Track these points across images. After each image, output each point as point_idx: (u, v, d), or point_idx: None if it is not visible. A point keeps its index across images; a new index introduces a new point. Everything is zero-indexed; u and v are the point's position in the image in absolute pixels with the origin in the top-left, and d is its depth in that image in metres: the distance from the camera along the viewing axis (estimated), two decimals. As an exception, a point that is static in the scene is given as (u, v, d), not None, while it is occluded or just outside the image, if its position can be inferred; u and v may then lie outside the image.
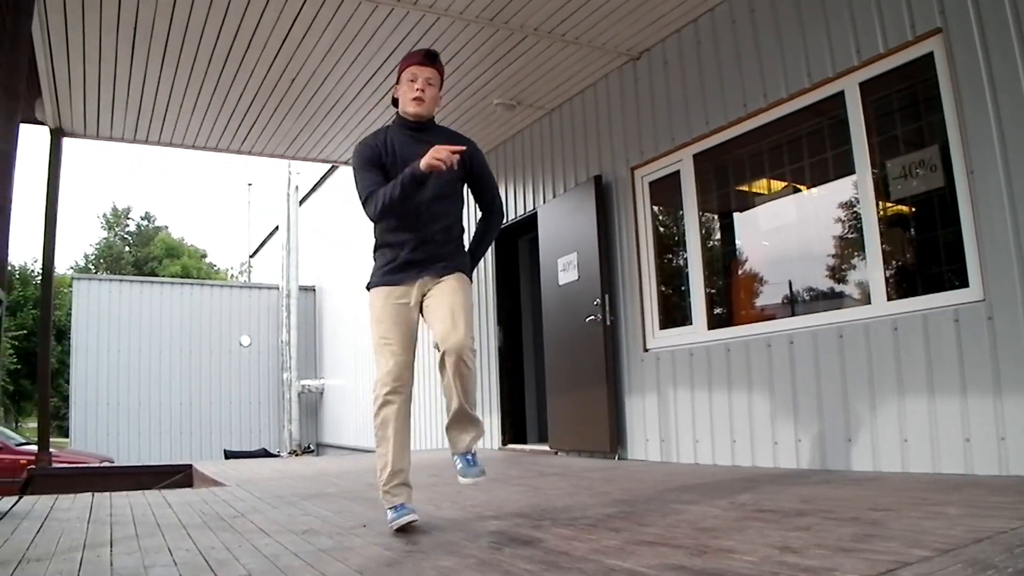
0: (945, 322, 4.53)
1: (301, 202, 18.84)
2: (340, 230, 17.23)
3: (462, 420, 3.59)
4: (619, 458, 7.12)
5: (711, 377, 6.24)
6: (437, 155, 3.24)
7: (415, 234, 3.56)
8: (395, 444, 3.45)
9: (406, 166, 3.39)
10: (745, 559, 2.46)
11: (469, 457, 3.62)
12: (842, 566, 2.28)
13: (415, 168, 3.29)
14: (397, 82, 3.71)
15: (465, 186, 3.79)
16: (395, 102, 3.76)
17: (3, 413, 35.03)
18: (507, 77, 7.69)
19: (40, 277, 9.48)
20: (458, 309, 3.48)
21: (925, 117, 4.99)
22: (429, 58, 3.63)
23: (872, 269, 5.09)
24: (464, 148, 3.41)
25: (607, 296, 7.34)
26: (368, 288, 3.71)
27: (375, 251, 3.76)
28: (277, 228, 20.18)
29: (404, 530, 3.32)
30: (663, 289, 7.08)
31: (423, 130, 3.65)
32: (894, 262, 5.17)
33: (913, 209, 5.15)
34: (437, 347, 3.46)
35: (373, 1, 6.17)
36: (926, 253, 5.07)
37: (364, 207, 3.55)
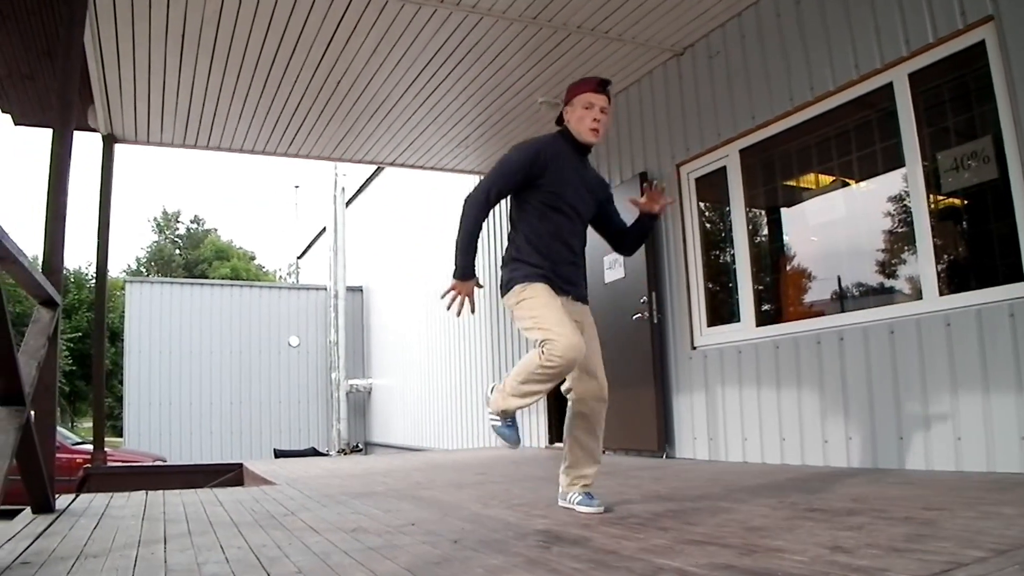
0: (1000, 317, 4.44)
1: (348, 203, 19.00)
2: (387, 231, 17.35)
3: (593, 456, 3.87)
4: (667, 456, 7.08)
5: (759, 375, 6.18)
6: (460, 297, 3.71)
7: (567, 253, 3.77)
8: (543, 393, 3.57)
9: (565, 187, 3.67)
10: (795, 559, 2.43)
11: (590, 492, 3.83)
12: (894, 566, 2.24)
13: (461, 270, 3.69)
14: (567, 103, 3.82)
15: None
16: (559, 119, 3.91)
17: (60, 413, 35.77)
18: (551, 75, 7.68)
19: (94, 281, 9.65)
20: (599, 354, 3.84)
21: (977, 107, 4.89)
22: (603, 86, 3.77)
23: (923, 263, 5.00)
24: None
25: (654, 294, 7.31)
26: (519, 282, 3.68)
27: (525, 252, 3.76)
28: (324, 229, 20.37)
29: (444, 528, 3.33)
30: (710, 286, 7.03)
31: (584, 155, 3.85)
32: (946, 256, 5.07)
33: (965, 202, 5.05)
34: (571, 390, 3.74)
35: (416, 3, 6.21)
36: (979, 246, 4.97)
37: (472, 192, 3.70)
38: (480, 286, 3.74)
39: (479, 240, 3.74)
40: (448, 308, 3.69)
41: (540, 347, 3.43)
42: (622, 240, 4.07)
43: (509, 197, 3.79)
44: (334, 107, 8.35)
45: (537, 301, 3.55)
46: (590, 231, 3.95)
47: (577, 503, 3.74)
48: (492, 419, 3.72)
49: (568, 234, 3.72)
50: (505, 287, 3.73)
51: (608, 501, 3.89)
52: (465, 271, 3.64)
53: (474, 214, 3.64)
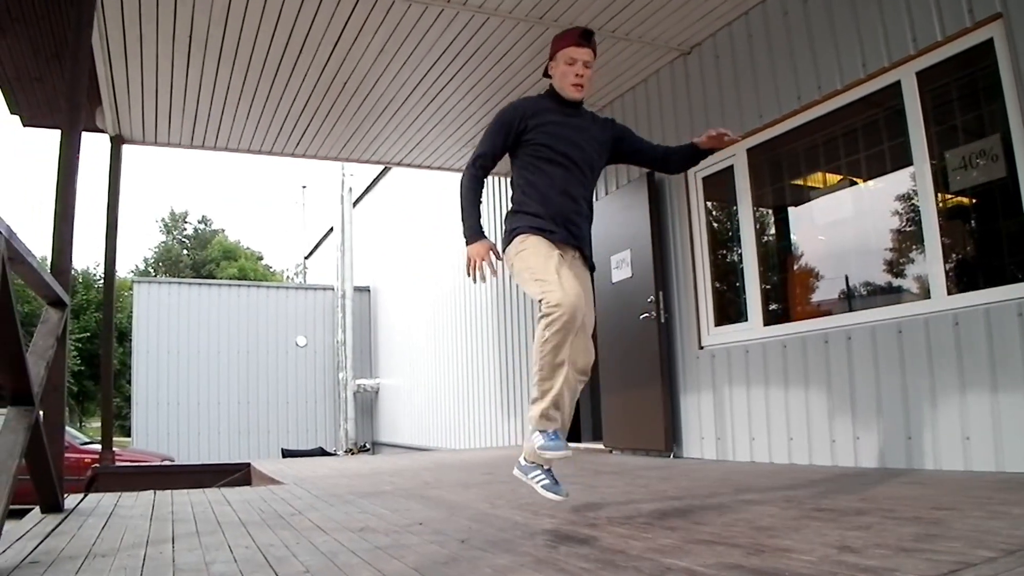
0: (1008, 316, 4.42)
1: (355, 204, 19.02)
2: (394, 231, 17.36)
3: None
4: (674, 456, 7.08)
5: (767, 374, 6.17)
6: (475, 261, 3.50)
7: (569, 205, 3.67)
8: (562, 373, 3.31)
9: (554, 138, 3.61)
10: (803, 559, 2.43)
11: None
12: (903, 566, 2.23)
13: (468, 233, 3.59)
14: (551, 58, 3.78)
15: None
16: (546, 73, 3.86)
17: (68, 413, 35.91)
18: (557, 75, 7.66)
19: (102, 281, 9.68)
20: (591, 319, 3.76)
21: (985, 106, 4.87)
22: (586, 38, 3.70)
23: (931, 263, 4.98)
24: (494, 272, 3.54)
25: (661, 293, 7.30)
26: (520, 232, 3.60)
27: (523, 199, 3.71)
28: (331, 230, 20.39)
29: (455, 528, 3.33)
30: (717, 286, 7.02)
31: (575, 108, 3.77)
32: (954, 255, 5.06)
33: (974, 200, 5.03)
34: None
35: (423, 2, 6.21)
36: (988, 245, 4.95)
37: (468, 164, 3.73)
38: (494, 249, 3.55)
39: (480, 208, 3.73)
40: (469, 275, 3.56)
41: (539, 303, 3.34)
42: (667, 162, 4.01)
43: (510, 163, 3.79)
44: (341, 107, 8.36)
45: (535, 251, 3.47)
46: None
47: (542, 486, 3.49)
48: (537, 445, 3.33)
49: (568, 184, 3.63)
50: (506, 239, 3.68)
51: (616, 501, 3.88)
52: (472, 232, 3.57)
53: (465, 182, 3.66)
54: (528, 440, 3.44)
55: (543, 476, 3.47)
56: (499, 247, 3.63)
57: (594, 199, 3.82)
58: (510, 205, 3.74)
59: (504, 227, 3.74)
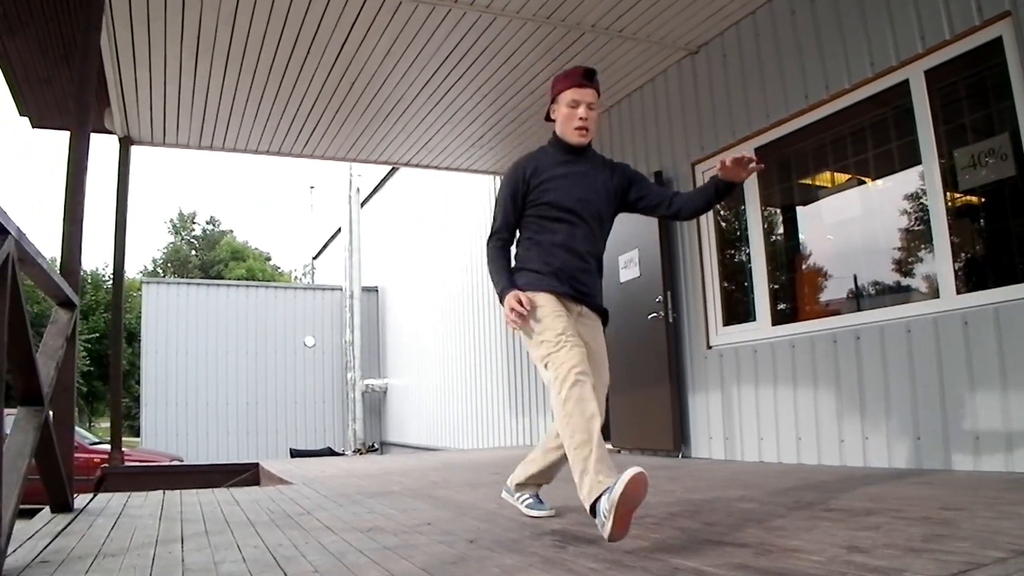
0: (1018, 315, 4.40)
1: (363, 204, 19.05)
2: (402, 231, 17.38)
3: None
4: (682, 456, 7.07)
5: (776, 374, 6.15)
6: (512, 314, 3.27)
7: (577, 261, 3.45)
8: (597, 424, 2.99)
9: (558, 194, 3.40)
10: (812, 559, 2.42)
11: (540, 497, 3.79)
12: (912, 567, 2.23)
13: (499, 291, 3.37)
14: (553, 101, 3.58)
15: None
16: (547, 117, 3.68)
17: (77, 413, 35.99)
18: (565, 75, 7.66)
19: (111, 281, 9.72)
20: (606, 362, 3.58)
21: (994, 104, 4.85)
22: (588, 78, 3.49)
23: (940, 262, 4.97)
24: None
25: (669, 293, 7.29)
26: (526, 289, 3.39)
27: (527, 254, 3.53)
28: (339, 230, 20.43)
29: (463, 527, 3.33)
30: (726, 285, 7.01)
31: (580, 154, 3.56)
32: (963, 254, 5.04)
33: (983, 199, 5.01)
34: None
35: (430, 3, 6.21)
36: (997, 244, 4.93)
37: (488, 239, 3.55)
38: (521, 296, 3.28)
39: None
40: (511, 326, 3.34)
41: (544, 367, 3.20)
42: (674, 205, 3.57)
43: None
44: (349, 107, 8.37)
45: (543, 312, 3.27)
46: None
47: (526, 505, 3.70)
48: (601, 507, 2.75)
49: (573, 240, 3.41)
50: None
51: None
52: (504, 289, 3.33)
53: (491, 254, 3.49)
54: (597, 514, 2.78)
55: (528, 497, 3.48)
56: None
57: (603, 253, 3.61)
58: (513, 263, 3.54)
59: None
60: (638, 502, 2.70)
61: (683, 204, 3.55)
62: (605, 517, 2.68)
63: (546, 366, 3.18)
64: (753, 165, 3.28)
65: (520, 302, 3.22)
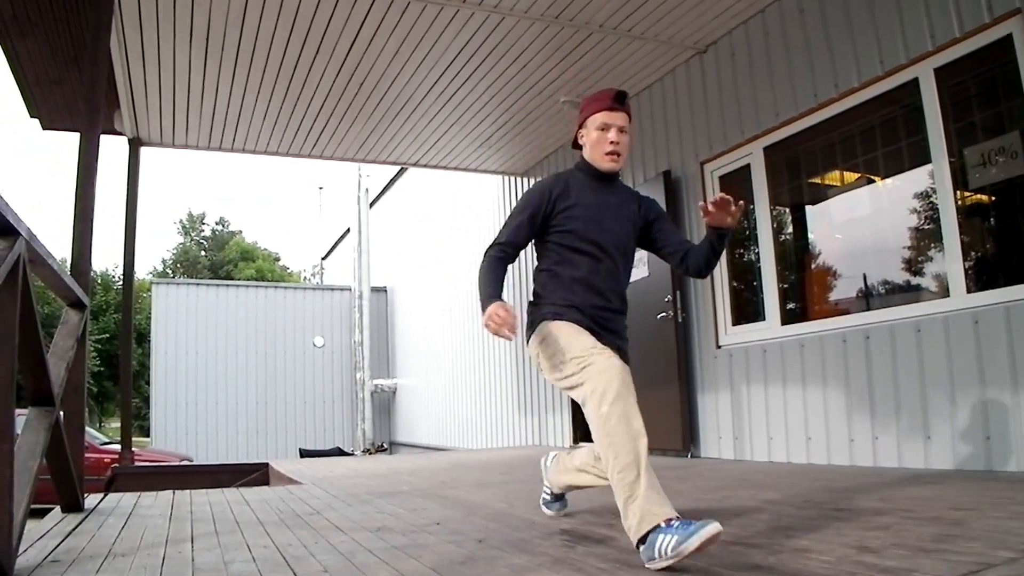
0: (1029, 314, 4.38)
1: (371, 204, 19.06)
2: (410, 231, 17.39)
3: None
4: (692, 456, 7.06)
5: (785, 373, 6.14)
6: (493, 325, 2.88)
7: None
8: (643, 443, 2.65)
9: (584, 223, 3.14)
10: (821, 559, 2.42)
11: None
12: (922, 567, 2.22)
13: (483, 299, 2.99)
14: (580, 125, 3.34)
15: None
16: (575, 144, 3.44)
17: (88, 413, 36.16)
18: (573, 74, 7.67)
19: (121, 282, 9.75)
20: None
21: (1004, 102, 4.83)
22: (619, 101, 3.24)
23: (950, 261, 4.95)
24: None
25: (678, 293, 7.28)
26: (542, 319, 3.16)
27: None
28: (348, 230, 20.45)
29: (472, 527, 3.33)
30: (735, 285, 6.99)
31: (610, 182, 3.31)
32: (973, 253, 5.02)
33: (993, 198, 4.99)
34: None
35: (438, 3, 6.22)
36: (1008, 243, 4.91)
37: (487, 248, 3.23)
38: (507, 307, 2.91)
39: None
40: (495, 334, 2.95)
41: (578, 388, 2.83)
42: (686, 260, 3.29)
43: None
44: (357, 108, 8.38)
45: (560, 334, 3.00)
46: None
47: (543, 501, 3.72)
48: (661, 547, 2.43)
49: (595, 276, 3.15)
50: (528, 330, 3.22)
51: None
52: (487, 298, 2.98)
53: (485, 263, 3.15)
54: (651, 555, 2.47)
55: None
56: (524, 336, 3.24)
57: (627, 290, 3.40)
58: (531, 297, 3.30)
59: (526, 320, 3.27)
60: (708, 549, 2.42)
61: (692, 261, 3.26)
62: (661, 556, 2.40)
63: (580, 383, 2.83)
64: (734, 208, 2.99)
65: (505, 311, 2.85)
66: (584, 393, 2.79)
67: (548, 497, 3.70)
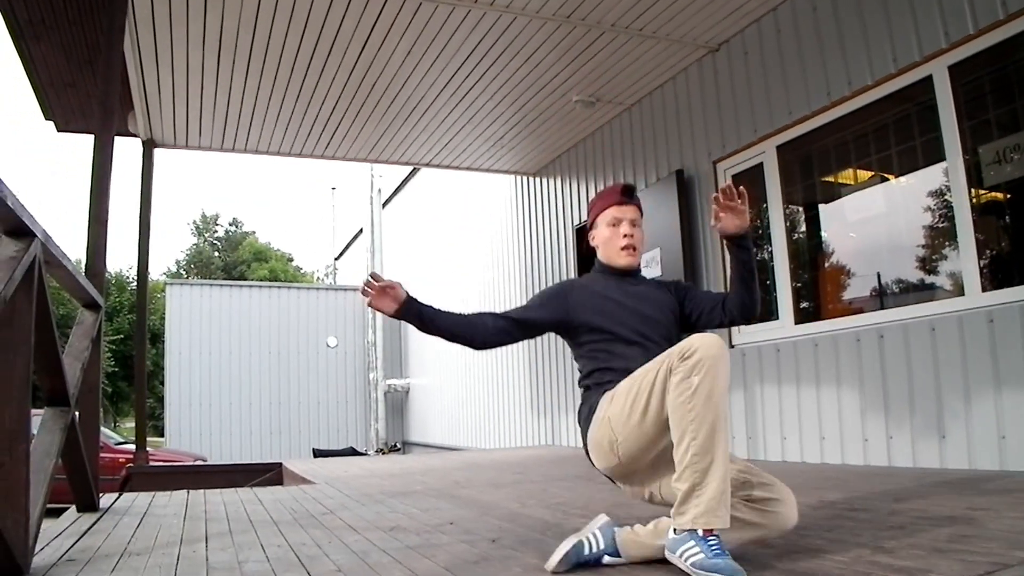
0: (1045, 313, 4.36)
1: (384, 204, 19.09)
2: (423, 231, 17.41)
3: None
4: (705, 455, 7.03)
5: (798, 373, 6.12)
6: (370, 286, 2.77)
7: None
8: (723, 441, 2.39)
9: (621, 319, 2.87)
10: (835, 559, 2.41)
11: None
12: (938, 567, 2.21)
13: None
14: (591, 226, 3.15)
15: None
16: (588, 250, 3.21)
17: (103, 414, 36.29)
18: (585, 74, 7.67)
19: (135, 283, 9.81)
20: None
21: (1019, 99, 4.79)
22: (628, 194, 3.07)
23: (965, 259, 4.92)
24: None
25: (690, 292, 7.25)
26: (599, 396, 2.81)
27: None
28: (361, 231, 20.48)
29: (487, 527, 3.32)
30: (747, 284, 6.96)
31: (632, 276, 3.07)
32: (988, 251, 4.99)
33: (1008, 195, 4.96)
34: None
35: (450, 3, 6.22)
36: (1023, 241, 4.88)
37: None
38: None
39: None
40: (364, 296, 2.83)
41: (672, 371, 2.45)
42: (727, 304, 2.96)
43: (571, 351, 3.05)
44: (370, 109, 8.40)
45: (624, 386, 2.65)
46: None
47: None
48: (686, 552, 2.30)
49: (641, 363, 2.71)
50: (587, 421, 2.82)
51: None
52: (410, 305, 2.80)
53: (473, 318, 2.92)
54: (674, 548, 2.36)
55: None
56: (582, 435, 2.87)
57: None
58: (581, 389, 2.96)
59: (580, 413, 2.91)
60: None
61: (732, 300, 2.96)
62: (679, 558, 2.29)
63: (671, 369, 2.46)
64: (741, 202, 2.81)
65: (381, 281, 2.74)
66: (674, 368, 2.44)
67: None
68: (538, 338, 10.42)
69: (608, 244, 3.04)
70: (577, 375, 2.98)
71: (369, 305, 2.82)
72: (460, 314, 2.90)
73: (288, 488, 6.00)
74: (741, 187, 2.83)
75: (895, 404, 5.28)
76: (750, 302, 2.94)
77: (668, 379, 2.44)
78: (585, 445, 2.83)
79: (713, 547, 2.25)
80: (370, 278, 2.78)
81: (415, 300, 2.82)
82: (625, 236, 3.00)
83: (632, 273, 3.07)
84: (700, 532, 2.28)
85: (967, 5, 4.81)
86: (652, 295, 3.01)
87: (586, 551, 2.51)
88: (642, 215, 3.08)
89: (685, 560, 2.29)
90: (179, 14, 6.19)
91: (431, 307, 2.84)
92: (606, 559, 2.53)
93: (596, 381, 2.85)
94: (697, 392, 2.36)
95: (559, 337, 3.03)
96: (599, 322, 2.88)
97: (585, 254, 9.65)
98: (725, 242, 2.97)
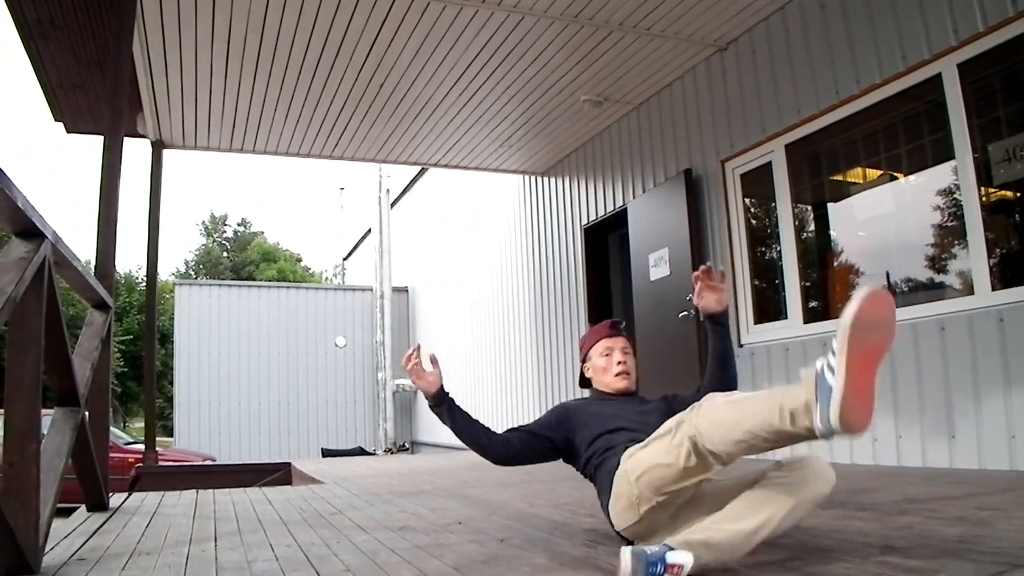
0: (1055, 312, 4.34)
1: (392, 204, 19.10)
2: (431, 231, 17.42)
3: None
4: (714, 455, 7.02)
5: (807, 372, 6.09)
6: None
7: None
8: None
9: (611, 421, 2.95)
10: (845, 559, 2.40)
11: None
12: (948, 567, 2.20)
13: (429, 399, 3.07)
14: (584, 361, 3.32)
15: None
16: (584, 381, 3.37)
17: (112, 414, 36.43)
18: (593, 73, 7.66)
19: (144, 284, 9.84)
20: None
21: (1030, 98, 4.79)
22: (617, 328, 3.30)
23: (975, 258, 4.90)
24: None
25: (699, 291, 7.23)
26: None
27: None
28: (369, 231, 20.50)
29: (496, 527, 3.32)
30: (756, 283, 6.96)
31: (628, 397, 3.21)
32: (998, 250, 4.97)
33: (1018, 194, 4.94)
34: None
35: (458, 3, 6.23)
36: (1033, 240, 4.87)
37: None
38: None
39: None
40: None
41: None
42: (706, 390, 2.85)
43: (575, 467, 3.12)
44: (378, 109, 8.41)
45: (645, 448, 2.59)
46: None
47: None
48: None
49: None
50: (604, 494, 2.80)
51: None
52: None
53: (496, 434, 3.06)
54: None
55: None
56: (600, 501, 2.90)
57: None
58: (591, 469, 2.97)
59: (596, 484, 2.93)
60: (886, 332, 2.08)
61: (707, 377, 3.14)
62: (832, 370, 2.04)
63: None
64: (719, 279, 2.92)
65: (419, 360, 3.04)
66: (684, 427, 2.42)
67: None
68: (545, 339, 10.40)
69: (603, 373, 3.21)
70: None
71: (409, 373, 3.07)
72: (471, 421, 3.07)
73: (297, 488, 6.02)
74: (722, 268, 2.95)
75: (904, 403, 5.26)
76: (727, 378, 3.08)
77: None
78: (606, 509, 2.79)
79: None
80: (415, 351, 3.06)
81: (447, 395, 3.07)
82: (619, 363, 3.17)
83: (628, 397, 3.19)
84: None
85: (976, 2, 4.80)
86: (647, 409, 3.11)
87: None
88: (633, 346, 3.26)
89: (835, 348, 2.07)
90: (187, 15, 6.21)
91: (462, 411, 3.06)
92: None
93: (602, 456, 2.87)
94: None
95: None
96: (597, 426, 2.95)
97: (593, 255, 9.67)
98: (705, 321, 3.11)
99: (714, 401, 2.38)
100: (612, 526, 2.77)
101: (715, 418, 2.33)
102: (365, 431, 18.42)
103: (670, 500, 2.51)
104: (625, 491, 2.61)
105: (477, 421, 3.07)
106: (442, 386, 3.08)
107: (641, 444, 2.60)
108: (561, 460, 3.13)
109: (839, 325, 2.00)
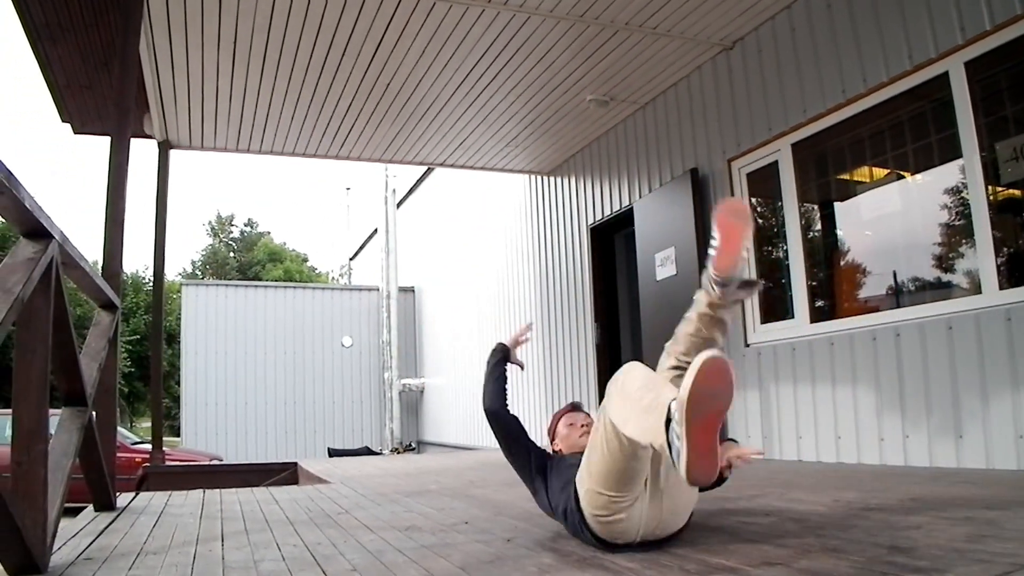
0: (1063, 311, 4.32)
1: (399, 204, 19.12)
2: (438, 231, 17.43)
3: None
4: (720, 455, 7.01)
5: (814, 372, 6.09)
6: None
7: None
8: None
9: (573, 469, 2.93)
10: (852, 559, 2.40)
11: None
12: (955, 567, 2.20)
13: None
14: (552, 438, 3.60)
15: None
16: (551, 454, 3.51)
17: (119, 414, 36.45)
18: (599, 73, 7.66)
19: (151, 284, 9.86)
20: None
21: (1037, 96, 4.77)
22: (576, 407, 3.69)
23: (982, 257, 4.88)
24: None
25: (705, 291, 7.23)
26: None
27: None
28: (376, 231, 20.52)
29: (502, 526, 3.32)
30: (763, 282, 6.93)
31: None
32: (1006, 249, 4.95)
33: (1026, 193, 4.93)
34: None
35: (464, 3, 6.23)
36: (1041, 239, 4.85)
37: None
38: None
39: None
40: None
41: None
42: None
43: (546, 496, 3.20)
44: (384, 109, 8.42)
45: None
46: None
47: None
48: None
49: None
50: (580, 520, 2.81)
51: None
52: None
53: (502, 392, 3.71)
54: None
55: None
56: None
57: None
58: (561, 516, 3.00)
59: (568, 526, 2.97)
60: (721, 400, 2.18)
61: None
62: (678, 436, 2.17)
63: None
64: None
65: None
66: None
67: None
68: (552, 339, 10.38)
69: (568, 439, 3.43)
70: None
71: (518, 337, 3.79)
72: (502, 387, 3.70)
73: (303, 487, 6.02)
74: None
75: (911, 403, 5.25)
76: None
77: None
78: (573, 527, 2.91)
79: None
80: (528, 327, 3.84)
81: (508, 357, 3.77)
82: (582, 426, 3.45)
83: None
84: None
85: (983, 0, 4.78)
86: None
87: None
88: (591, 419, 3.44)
89: (676, 420, 2.21)
90: (194, 16, 6.22)
91: (503, 373, 3.73)
92: None
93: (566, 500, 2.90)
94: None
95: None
96: (568, 476, 2.95)
97: (599, 255, 9.66)
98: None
99: (626, 388, 2.63)
100: (611, 547, 2.76)
101: (621, 405, 2.58)
102: (371, 431, 18.43)
103: (633, 481, 2.63)
104: (598, 501, 2.69)
105: (506, 382, 3.71)
106: (511, 349, 3.76)
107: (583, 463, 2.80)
108: (523, 483, 3.44)
109: (678, 398, 2.19)
